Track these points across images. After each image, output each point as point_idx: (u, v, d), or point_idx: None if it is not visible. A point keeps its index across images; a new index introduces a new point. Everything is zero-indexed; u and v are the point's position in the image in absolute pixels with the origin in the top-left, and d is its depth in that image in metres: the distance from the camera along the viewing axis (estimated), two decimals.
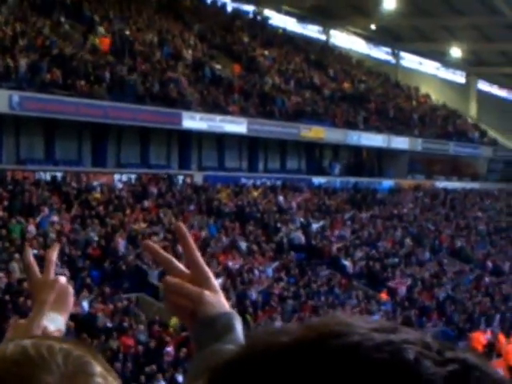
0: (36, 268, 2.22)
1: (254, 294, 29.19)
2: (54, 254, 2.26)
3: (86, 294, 24.30)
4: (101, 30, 38.57)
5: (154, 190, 34.23)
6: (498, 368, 32.07)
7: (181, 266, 1.90)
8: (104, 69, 35.53)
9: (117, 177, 34.50)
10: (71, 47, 35.41)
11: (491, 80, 71.73)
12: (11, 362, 1.24)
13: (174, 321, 25.17)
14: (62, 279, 2.21)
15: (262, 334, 0.96)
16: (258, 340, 0.94)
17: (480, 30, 60.17)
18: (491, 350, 32.71)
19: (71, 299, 2.22)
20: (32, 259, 2.24)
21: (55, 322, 2.12)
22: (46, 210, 28.47)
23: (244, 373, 0.91)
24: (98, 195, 31.66)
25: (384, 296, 33.98)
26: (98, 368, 1.29)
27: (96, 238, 28.39)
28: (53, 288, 2.16)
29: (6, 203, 28.02)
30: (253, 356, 0.92)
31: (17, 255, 24.59)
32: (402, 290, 35.38)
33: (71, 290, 2.23)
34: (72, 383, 1.24)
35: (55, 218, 28.27)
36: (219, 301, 1.82)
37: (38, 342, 1.30)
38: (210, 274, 1.88)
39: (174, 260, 1.93)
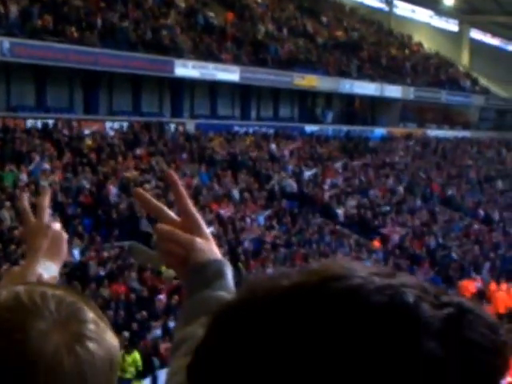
0: (30, 214, 2.22)
1: (246, 242, 29.22)
2: (46, 200, 2.26)
3: (77, 242, 24.20)
4: None
5: (146, 137, 34.09)
6: None
7: (172, 214, 1.88)
8: (95, 15, 35.26)
9: (108, 124, 34.40)
10: None
11: (484, 28, 71.38)
12: (4, 309, 1.27)
13: (164, 268, 25.31)
14: (56, 225, 2.23)
15: (262, 278, 0.97)
16: (258, 285, 0.95)
17: None
18: (481, 297, 32.93)
19: (65, 246, 2.24)
20: (27, 205, 2.25)
21: (49, 269, 2.13)
22: (38, 158, 28.37)
23: (246, 317, 0.92)
24: (89, 143, 31.60)
25: (376, 244, 34.05)
26: (90, 314, 1.31)
27: (88, 186, 28.34)
28: (46, 234, 2.17)
29: None
30: (254, 300, 0.93)
31: (8, 203, 24.60)
32: (395, 238, 35.47)
33: (65, 236, 2.24)
34: (64, 329, 1.26)
35: (47, 166, 28.15)
36: (210, 248, 1.81)
37: (31, 289, 1.32)
38: (202, 222, 1.87)
39: (165, 208, 1.90)
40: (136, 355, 20.16)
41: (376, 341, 0.87)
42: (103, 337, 1.32)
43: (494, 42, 74.23)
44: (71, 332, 1.28)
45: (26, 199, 2.30)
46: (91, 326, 1.31)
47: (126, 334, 20.77)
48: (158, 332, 21.74)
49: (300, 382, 0.88)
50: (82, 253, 24.14)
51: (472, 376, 0.89)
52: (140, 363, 20.23)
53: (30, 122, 31.49)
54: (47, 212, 2.24)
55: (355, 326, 0.88)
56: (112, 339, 1.34)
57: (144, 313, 22.08)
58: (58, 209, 25.46)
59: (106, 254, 24.75)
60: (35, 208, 2.23)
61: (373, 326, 0.88)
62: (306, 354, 0.88)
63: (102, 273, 23.60)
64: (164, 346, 20.57)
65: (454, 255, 36.15)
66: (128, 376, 19.67)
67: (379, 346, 0.87)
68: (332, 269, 0.94)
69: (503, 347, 0.92)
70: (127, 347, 19.76)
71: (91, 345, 1.29)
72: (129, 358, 19.88)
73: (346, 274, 0.93)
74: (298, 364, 0.88)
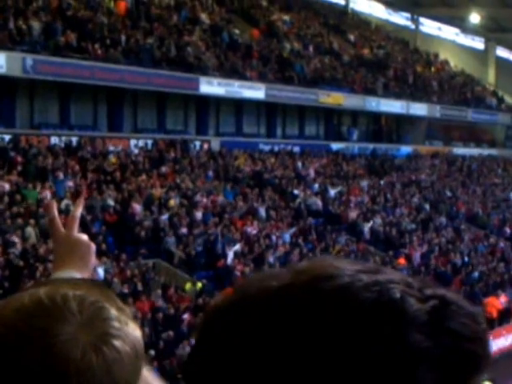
0: (59, 223, 2.21)
1: (271, 260, 29.11)
2: (78, 211, 2.29)
3: (102, 260, 24.14)
4: None
5: (171, 155, 34.13)
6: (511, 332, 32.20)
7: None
8: (120, 32, 35.44)
9: (133, 142, 34.54)
10: (86, 9, 35.20)
11: (510, 46, 71.19)
12: (26, 314, 1.25)
13: (188, 286, 25.30)
14: (84, 237, 2.22)
15: (252, 279, 0.98)
16: (248, 286, 0.96)
17: None
18: (506, 314, 32.86)
19: (93, 258, 2.24)
20: (56, 213, 2.23)
21: None
22: (61, 175, 28.43)
23: (237, 319, 0.93)
24: (113, 160, 31.67)
25: (402, 261, 33.91)
26: (112, 311, 1.29)
27: (112, 204, 28.41)
28: (75, 245, 2.18)
29: (20, 168, 28.07)
30: (245, 301, 0.94)
31: (32, 221, 24.60)
32: (417, 255, 35.50)
33: (93, 248, 2.24)
34: (90, 331, 1.25)
35: (70, 184, 28.20)
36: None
37: (52, 291, 1.30)
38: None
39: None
40: None
41: (366, 336, 0.88)
42: (127, 332, 1.29)
43: None
44: (96, 333, 1.26)
45: (54, 207, 2.27)
46: (115, 324, 1.29)
47: (152, 352, 20.78)
48: (185, 350, 21.58)
49: (293, 381, 0.88)
50: (107, 271, 24.12)
51: (457, 364, 0.90)
52: None
53: (53, 140, 31.63)
54: (77, 223, 2.24)
55: (346, 324, 0.89)
56: (135, 331, 1.31)
57: (170, 332, 22.27)
58: (82, 226, 25.26)
59: (129, 272, 24.81)
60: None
61: (363, 323, 0.89)
62: (299, 353, 0.88)
63: (126, 290, 23.60)
64: None
65: (478, 273, 36.07)
66: None
67: (369, 341, 0.88)
68: (320, 268, 0.95)
69: (484, 336, 0.94)
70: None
71: (117, 343, 1.27)
72: None
73: (334, 272, 0.93)
74: (290, 363, 0.88)
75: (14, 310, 1.27)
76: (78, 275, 2.12)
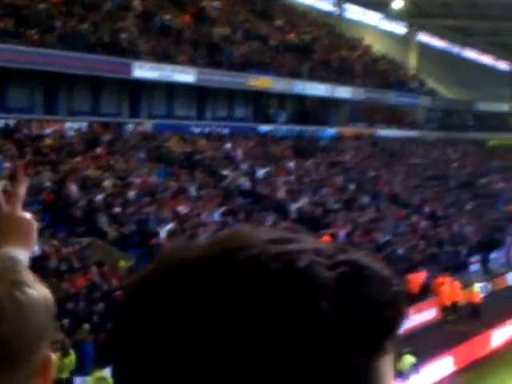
0: (4, 201, 2.17)
1: (202, 238, 29.25)
2: (22, 189, 2.22)
3: (38, 238, 24.25)
4: None
5: (105, 137, 34.08)
6: (433, 307, 32.89)
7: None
8: (56, 18, 35.18)
9: (68, 125, 34.32)
10: None
11: (432, 31, 71.73)
12: None
13: (122, 263, 25.47)
14: (27, 215, 2.19)
15: (171, 251, 0.97)
16: (167, 257, 0.96)
17: None
18: (426, 290, 33.41)
19: (35, 235, 2.20)
20: (0, 194, 2.18)
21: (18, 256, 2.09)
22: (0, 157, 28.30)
23: (155, 287, 0.93)
24: (49, 142, 31.48)
25: (326, 239, 34.23)
26: (23, 268, 1.44)
27: (48, 184, 28.29)
28: (19, 222, 2.14)
29: None
30: (162, 272, 0.94)
31: None
32: (343, 234, 35.72)
33: (35, 225, 2.20)
34: (2, 279, 1.36)
35: (7, 165, 27.96)
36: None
37: None
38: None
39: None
40: (72, 357, 19.97)
41: (273, 306, 0.88)
42: (38, 286, 1.41)
43: (442, 44, 74.72)
44: (9, 281, 1.36)
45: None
46: (26, 276, 1.40)
47: (86, 325, 21.08)
48: None
49: (206, 355, 0.88)
50: (43, 248, 24.04)
51: (367, 330, 0.89)
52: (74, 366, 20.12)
53: None
54: (21, 201, 2.20)
55: (253, 295, 0.89)
56: (46, 291, 1.43)
57: (102, 305, 22.13)
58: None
59: (65, 250, 24.71)
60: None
61: (269, 293, 0.88)
62: (210, 322, 0.88)
63: (63, 267, 23.67)
64: None
65: (400, 250, 36.65)
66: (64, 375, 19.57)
67: (276, 310, 0.88)
68: (232, 239, 0.94)
69: (395, 299, 0.92)
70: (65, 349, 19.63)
71: (29, 290, 1.37)
72: (66, 360, 19.64)
73: (244, 244, 0.93)
74: (202, 333, 0.88)
75: None
76: (22, 252, 2.09)
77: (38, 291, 1.40)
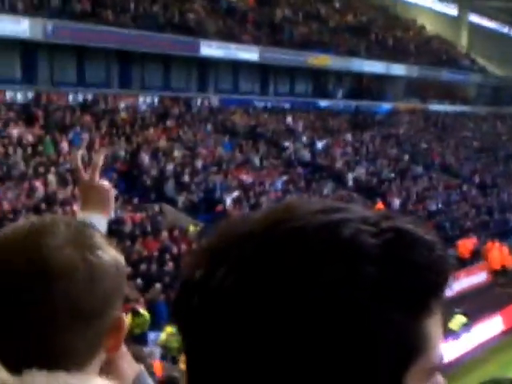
0: (83, 171, 2.27)
1: (264, 205, 29.30)
2: (100, 158, 2.32)
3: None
4: None
5: (174, 111, 34.13)
6: (483, 270, 32.49)
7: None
8: (129, 0, 35.29)
9: (141, 99, 34.58)
10: None
11: (482, 13, 70.79)
12: (20, 233, 1.38)
13: (191, 228, 25.47)
14: (105, 182, 2.29)
15: (231, 221, 0.96)
16: (225, 228, 0.95)
17: None
18: (477, 255, 33.11)
19: (112, 200, 2.28)
20: (79, 163, 2.31)
21: (97, 220, 2.15)
22: (78, 129, 28.50)
23: (213, 258, 0.91)
24: (124, 115, 31.65)
25: (380, 206, 34.00)
26: (96, 233, 1.44)
27: (123, 154, 28.50)
28: (97, 189, 2.23)
29: (41, 122, 28.10)
30: (220, 244, 0.92)
31: (52, 169, 24.74)
32: (396, 202, 35.46)
33: (113, 192, 2.29)
34: (75, 243, 1.36)
35: (85, 136, 28.20)
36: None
37: (43, 217, 1.45)
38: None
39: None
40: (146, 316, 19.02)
41: (319, 274, 0.86)
42: (109, 249, 1.42)
43: (491, 25, 73.59)
44: (81, 244, 1.38)
45: (78, 157, 2.36)
46: (98, 240, 1.42)
47: (158, 285, 21.07)
48: None
49: (258, 322, 0.87)
50: (117, 214, 24.29)
51: (408, 292, 0.88)
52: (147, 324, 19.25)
53: (71, 97, 31.71)
54: (99, 169, 2.29)
55: (299, 264, 0.87)
56: (117, 253, 1.44)
57: (172, 266, 22.22)
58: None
59: (139, 215, 24.86)
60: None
61: (315, 262, 0.87)
62: (260, 292, 0.87)
63: (137, 231, 23.79)
64: None
65: (452, 217, 36.21)
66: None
67: (322, 279, 0.86)
68: (282, 211, 0.93)
69: (439, 263, 0.91)
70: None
71: (99, 252, 1.39)
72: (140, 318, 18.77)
73: (292, 216, 0.91)
74: (252, 303, 0.87)
75: (14, 231, 1.40)
76: (99, 215, 2.18)
77: (110, 255, 1.41)
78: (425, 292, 0.89)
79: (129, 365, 1.73)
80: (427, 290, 0.90)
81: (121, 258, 1.45)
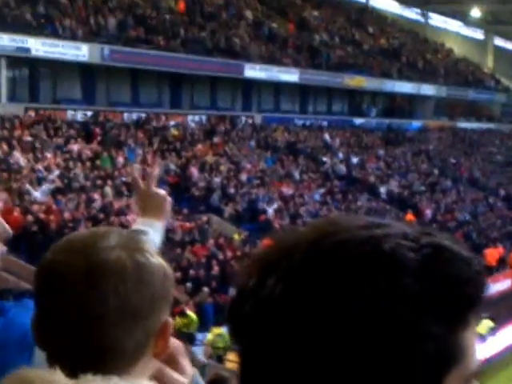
0: (140, 182, 2.33)
1: (304, 215, 29.30)
2: (155, 170, 2.40)
3: None
4: None
5: (221, 128, 34.27)
6: (508, 278, 32.03)
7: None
8: (179, 27, 35.58)
9: (190, 117, 34.76)
10: (152, 8, 35.43)
11: (506, 36, 70.34)
12: (79, 236, 1.43)
13: (236, 236, 25.48)
14: (161, 191, 2.34)
15: (281, 233, 0.95)
16: (276, 239, 0.95)
17: None
18: (503, 263, 32.68)
19: (168, 208, 2.34)
20: (137, 175, 2.39)
21: (154, 226, 2.24)
22: (132, 145, 28.74)
23: (266, 266, 0.91)
24: (175, 132, 31.82)
25: (410, 217, 33.78)
26: (146, 242, 1.44)
27: (174, 168, 28.58)
28: (153, 197, 2.28)
29: (99, 139, 28.36)
30: (270, 255, 0.92)
31: (109, 182, 24.88)
32: (427, 213, 35.21)
33: (169, 200, 2.34)
34: (126, 246, 1.38)
35: (139, 151, 28.47)
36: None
37: (101, 227, 1.52)
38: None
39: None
40: (194, 318, 18.94)
41: (362, 288, 0.85)
42: (157, 256, 1.42)
43: None
44: (131, 247, 1.39)
45: (136, 170, 2.48)
46: (147, 246, 1.42)
47: (206, 289, 21.05)
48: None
49: (303, 331, 0.86)
50: (169, 223, 24.35)
51: (445, 305, 0.86)
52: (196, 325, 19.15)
53: (126, 115, 32.02)
54: (154, 180, 2.33)
55: (341, 277, 0.86)
56: (165, 263, 1.43)
57: (219, 271, 22.20)
58: None
59: (188, 224, 24.85)
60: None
61: (358, 275, 0.85)
62: (304, 301, 0.86)
63: (186, 239, 23.83)
64: None
65: (479, 227, 35.87)
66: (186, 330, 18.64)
67: (364, 290, 0.84)
68: (327, 225, 0.92)
69: (476, 277, 0.89)
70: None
71: (148, 255, 1.39)
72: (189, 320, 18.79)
73: (334, 230, 0.90)
74: (298, 311, 0.86)
75: (75, 236, 1.44)
76: (155, 221, 2.21)
77: (159, 260, 1.40)
78: (463, 305, 0.88)
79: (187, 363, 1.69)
80: (465, 304, 0.88)
81: (168, 267, 1.44)
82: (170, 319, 1.44)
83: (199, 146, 31.28)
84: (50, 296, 1.36)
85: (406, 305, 0.84)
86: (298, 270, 0.88)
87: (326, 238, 0.89)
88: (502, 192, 42.61)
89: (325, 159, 36.44)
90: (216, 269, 22.36)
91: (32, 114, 28.45)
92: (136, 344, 1.36)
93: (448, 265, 0.87)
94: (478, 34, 69.31)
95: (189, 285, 21.01)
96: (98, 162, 26.25)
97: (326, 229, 0.91)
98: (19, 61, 30.12)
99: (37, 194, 22.51)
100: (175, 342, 1.50)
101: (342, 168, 36.52)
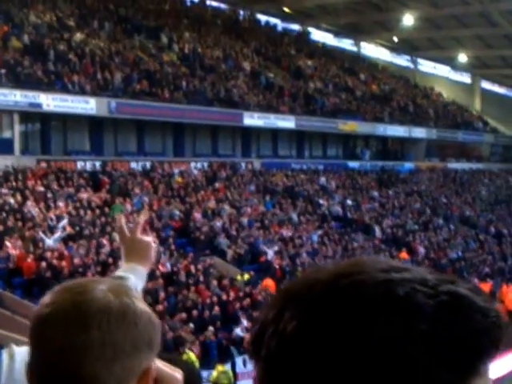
0: (126, 230, 2.28)
1: (303, 256, 29.38)
2: (142, 218, 2.34)
3: (169, 257, 24.75)
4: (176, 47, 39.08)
5: (222, 174, 34.58)
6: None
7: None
8: (181, 79, 35.91)
9: (193, 164, 34.85)
10: (155, 62, 35.82)
11: (492, 80, 70.71)
12: (73, 281, 1.45)
13: (238, 277, 25.57)
14: (146, 238, 2.28)
15: (308, 271, 0.95)
16: (303, 275, 0.95)
17: (482, 39, 59.40)
18: (494, 297, 32.65)
19: (153, 254, 2.27)
20: (123, 223, 2.31)
21: (136, 272, 2.18)
22: (139, 192, 28.92)
23: (283, 302, 0.92)
24: (178, 179, 32.06)
25: (404, 255, 33.78)
26: (134, 292, 1.45)
27: (178, 213, 28.73)
28: (137, 244, 2.24)
29: (107, 187, 28.57)
30: (293, 288, 0.93)
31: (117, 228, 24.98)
32: (420, 251, 35.28)
33: (153, 246, 2.28)
34: (114, 289, 1.39)
35: (145, 198, 28.63)
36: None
37: (95, 279, 1.49)
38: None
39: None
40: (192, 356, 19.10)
41: (374, 327, 0.84)
42: (144, 304, 1.42)
43: (501, 90, 73.58)
44: (120, 292, 1.39)
45: (122, 219, 2.33)
46: (135, 294, 1.43)
47: (211, 328, 21.26)
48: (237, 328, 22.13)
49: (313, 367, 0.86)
50: (175, 265, 24.49)
51: (459, 353, 0.84)
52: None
53: (132, 164, 32.22)
54: (140, 227, 2.27)
55: (354, 315, 0.85)
56: (152, 313, 1.42)
57: (219, 313, 22.34)
58: (155, 231, 26.16)
59: (192, 267, 24.93)
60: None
61: (370, 316, 0.84)
62: (318, 338, 0.86)
63: (191, 281, 23.98)
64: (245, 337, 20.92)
65: (470, 264, 35.89)
66: None
67: (378, 332, 0.83)
68: (350, 266, 0.91)
69: (491, 328, 0.86)
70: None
71: (134, 299, 1.39)
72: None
73: (355, 270, 0.89)
74: (313, 349, 0.86)
75: (72, 283, 1.44)
76: (139, 267, 2.16)
77: (143, 306, 1.40)
78: (474, 355, 0.85)
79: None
80: (477, 354, 0.86)
81: (155, 317, 1.42)
82: (154, 366, 1.41)
83: (202, 192, 31.44)
84: (38, 328, 1.37)
85: (419, 349, 0.83)
86: (313, 306, 0.87)
87: (345, 277, 0.88)
88: (493, 229, 42.60)
89: (321, 202, 36.49)
90: (219, 309, 22.50)
91: (44, 165, 28.81)
92: (116, 381, 1.34)
93: (463, 313, 0.85)
94: (466, 78, 69.65)
95: (193, 324, 21.16)
96: (106, 209, 26.44)
97: (347, 269, 0.90)
98: (31, 115, 30.49)
99: (49, 241, 22.95)
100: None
101: (338, 209, 36.55)
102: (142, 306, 1.39)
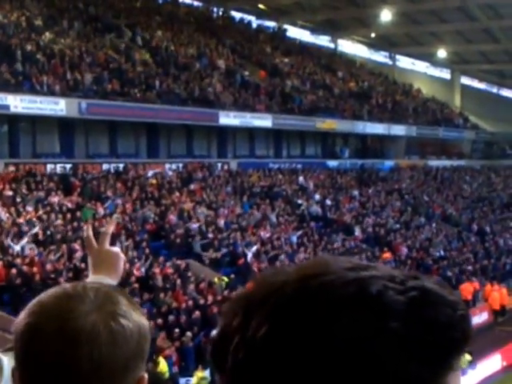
0: (93, 240, 2.25)
1: (282, 257, 29.27)
2: (110, 228, 2.30)
3: (143, 261, 24.55)
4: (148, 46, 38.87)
5: (198, 175, 34.41)
6: (484, 311, 32.22)
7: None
8: (154, 78, 35.76)
9: (168, 166, 34.76)
10: (127, 62, 35.62)
11: (472, 75, 71.25)
12: (53, 298, 1.40)
13: (216, 280, 25.40)
14: (115, 249, 2.24)
15: (266, 275, 0.96)
16: (261, 280, 0.95)
17: (461, 34, 59.78)
18: (477, 296, 32.77)
19: (121, 265, 2.23)
20: (90, 233, 2.27)
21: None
22: (111, 195, 28.72)
23: (249, 305, 0.92)
24: (152, 181, 31.89)
25: (386, 255, 33.83)
26: (122, 300, 1.42)
27: (152, 216, 28.59)
28: (106, 255, 2.20)
29: (78, 190, 28.34)
30: (256, 294, 0.92)
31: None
32: (402, 250, 35.32)
33: (122, 257, 2.24)
34: (101, 309, 1.37)
35: (119, 201, 28.48)
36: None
37: (76, 284, 1.44)
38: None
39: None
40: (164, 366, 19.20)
41: (347, 329, 0.84)
42: (133, 315, 1.40)
43: (481, 86, 74.11)
44: (106, 311, 1.36)
45: (89, 229, 2.30)
46: (123, 307, 1.39)
47: (189, 333, 21.12)
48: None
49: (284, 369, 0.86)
50: (149, 270, 24.32)
51: (432, 348, 0.86)
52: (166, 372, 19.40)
53: (104, 166, 31.99)
54: (108, 238, 2.24)
55: (326, 316, 0.86)
56: (141, 318, 1.42)
57: (199, 317, 22.24)
58: (129, 234, 25.99)
59: (168, 270, 24.83)
60: (112, 236, 2.30)
61: (341, 315, 0.85)
62: (287, 339, 0.86)
63: (167, 285, 23.82)
64: None
65: (453, 263, 35.99)
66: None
67: (350, 334, 0.84)
68: (314, 266, 0.92)
69: (461, 322, 0.89)
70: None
71: (123, 321, 1.37)
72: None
73: (322, 271, 0.90)
74: (282, 350, 0.86)
75: (48, 298, 1.40)
76: (107, 279, 2.11)
77: (133, 321, 1.39)
78: (447, 349, 0.88)
79: None
80: (449, 348, 0.88)
81: (144, 322, 1.42)
82: (146, 375, 1.44)
83: (177, 194, 31.32)
84: (27, 361, 1.36)
85: (390, 347, 0.84)
86: (284, 310, 0.87)
87: (312, 279, 0.88)
88: (475, 227, 42.83)
89: (300, 202, 36.52)
90: (197, 313, 22.35)
91: (12, 168, 28.50)
92: None
93: (434, 308, 0.87)
94: (445, 74, 70.15)
95: (171, 330, 21.03)
96: (78, 213, 26.24)
97: (313, 270, 0.90)
98: None
99: (17, 247, 22.64)
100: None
101: (318, 210, 36.57)
102: (128, 323, 1.37)
